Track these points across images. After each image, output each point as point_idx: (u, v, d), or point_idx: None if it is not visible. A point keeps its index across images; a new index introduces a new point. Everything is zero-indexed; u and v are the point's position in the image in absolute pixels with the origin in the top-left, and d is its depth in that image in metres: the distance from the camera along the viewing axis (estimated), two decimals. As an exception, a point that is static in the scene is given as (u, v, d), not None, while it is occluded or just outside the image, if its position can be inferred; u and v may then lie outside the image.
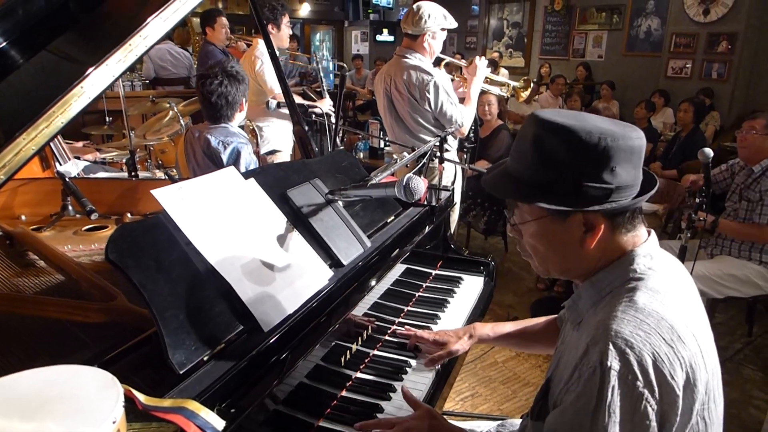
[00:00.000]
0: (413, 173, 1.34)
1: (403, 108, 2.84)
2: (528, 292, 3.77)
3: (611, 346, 0.82)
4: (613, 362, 0.81)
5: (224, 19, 4.30)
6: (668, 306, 0.87)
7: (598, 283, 0.97)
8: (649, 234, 1.00)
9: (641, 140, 0.92)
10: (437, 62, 2.91)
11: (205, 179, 1.21)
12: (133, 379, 0.94)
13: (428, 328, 1.57)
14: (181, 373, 0.91)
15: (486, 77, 3.00)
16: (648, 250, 0.96)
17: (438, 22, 2.74)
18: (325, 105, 3.54)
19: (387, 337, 1.51)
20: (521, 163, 0.97)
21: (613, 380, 0.80)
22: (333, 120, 3.08)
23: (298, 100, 3.52)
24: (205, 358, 0.96)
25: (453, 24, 2.81)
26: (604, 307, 0.92)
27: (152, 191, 1.07)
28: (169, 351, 0.91)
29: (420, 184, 1.29)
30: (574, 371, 0.86)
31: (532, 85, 3.45)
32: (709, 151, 2.23)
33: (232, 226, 1.17)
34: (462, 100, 2.91)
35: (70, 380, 0.72)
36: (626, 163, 0.90)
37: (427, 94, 2.73)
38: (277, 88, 3.28)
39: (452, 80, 2.96)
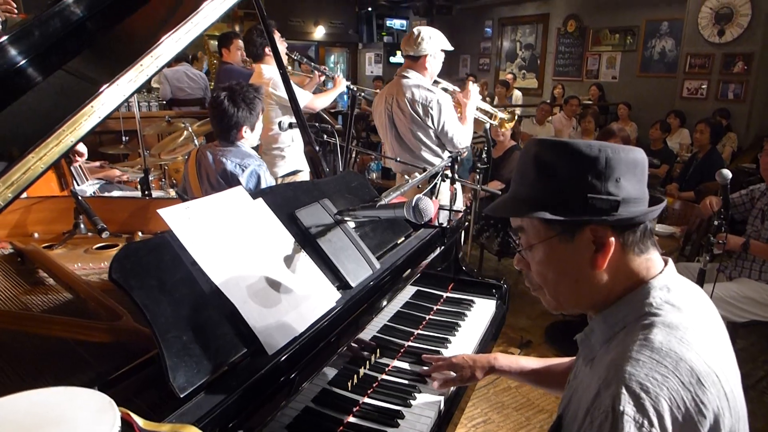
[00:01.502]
0: (423, 194, 1.32)
1: (404, 126, 2.88)
2: (542, 315, 3.70)
3: (624, 390, 0.77)
4: (626, 407, 0.75)
5: (240, 42, 4.38)
6: (688, 344, 0.81)
7: (611, 317, 0.92)
8: (666, 263, 0.94)
9: (642, 154, 0.92)
10: (433, 84, 2.99)
11: (212, 199, 1.20)
12: (134, 401, 0.93)
13: (438, 352, 1.53)
14: (182, 396, 0.89)
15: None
16: (665, 281, 0.91)
17: (437, 43, 2.84)
18: (342, 84, 3.66)
19: (396, 362, 1.48)
20: (524, 184, 0.95)
21: (627, 426, 0.75)
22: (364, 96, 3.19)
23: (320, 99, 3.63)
24: (207, 382, 0.94)
25: (450, 46, 2.91)
26: (617, 345, 0.87)
27: (158, 210, 1.06)
28: (170, 373, 0.89)
29: (429, 205, 1.27)
30: (587, 415, 0.81)
31: (516, 117, 3.65)
32: (728, 173, 2.20)
33: (239, 246, 1.16)
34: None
35: (66, 402, 0.71)
36: (630, 175, 0.89)
37: (431, 111, 2.80)
38: (304, 100, 3.41)
39: None
